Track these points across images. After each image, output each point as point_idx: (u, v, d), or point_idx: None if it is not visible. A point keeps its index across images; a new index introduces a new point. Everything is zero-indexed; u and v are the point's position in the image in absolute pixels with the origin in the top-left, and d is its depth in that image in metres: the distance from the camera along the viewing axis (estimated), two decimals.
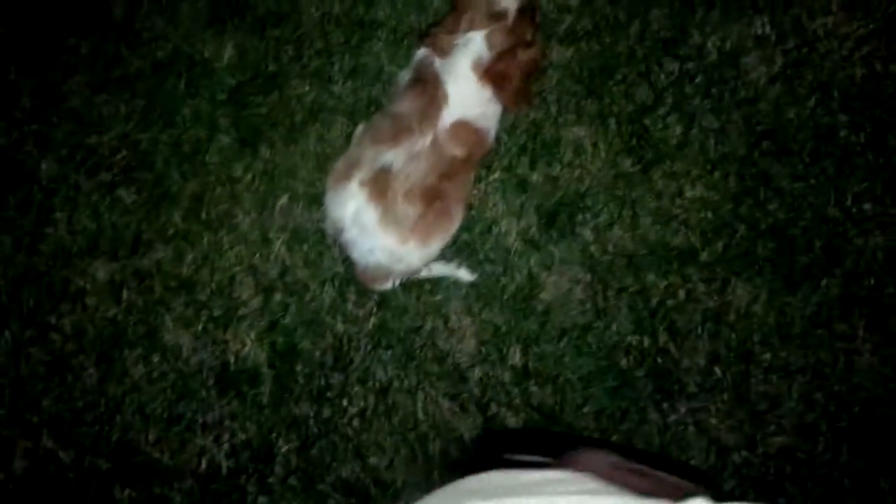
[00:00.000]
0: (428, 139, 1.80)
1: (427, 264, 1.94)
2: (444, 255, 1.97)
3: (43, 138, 2.06)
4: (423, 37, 1.96)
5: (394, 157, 1.79)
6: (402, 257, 1.85)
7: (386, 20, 2.14)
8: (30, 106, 2.09)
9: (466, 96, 1.84)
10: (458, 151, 1.83)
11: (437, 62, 1.86)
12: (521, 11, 1.87)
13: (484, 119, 1.88)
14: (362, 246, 1.84)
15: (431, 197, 1.83)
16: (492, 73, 1.83)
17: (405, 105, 1.87)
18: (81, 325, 1.98)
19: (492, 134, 1.93)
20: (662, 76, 2.09)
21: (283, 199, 2.03)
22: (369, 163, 1.81)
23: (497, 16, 1.85)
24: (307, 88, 2.10)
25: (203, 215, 2.03)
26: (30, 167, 2.04)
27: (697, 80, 2.08)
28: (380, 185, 1.79)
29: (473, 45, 1.83)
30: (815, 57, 2.08)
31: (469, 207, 2.01)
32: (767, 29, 2.10)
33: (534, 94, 2.01)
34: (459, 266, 1.99)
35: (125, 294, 1.99)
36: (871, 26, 2.09)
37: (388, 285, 1.95)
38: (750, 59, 2.09)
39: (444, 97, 1.82)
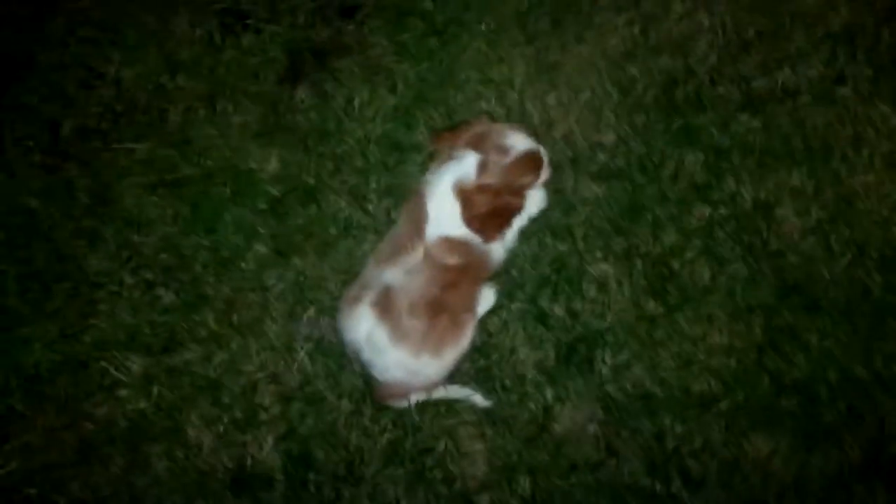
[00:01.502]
0: (420, 253, 1.85)
1: (444, 384, 1.98)
2: (461, 379, 2.01)
3: (94, 234, 2.19)
4: (434, 132, 1.98)
5: (393, 275, 1.85)
6: (418, 371, 1.90)
7: (423, 144, 2.20)
8: (85, 203, 2.22)
9: (444, 214, 1.85)
10: (451, 261, 1.86)
11: (428, 176, 1.89)
12: (527, 156, 1.87)
13: (472, 236, 1.86)
14: (379, 364, 1.91)
15: (436, 308, 1.86)
16: (464, 197, 1.83)
17: (401, 222, 1.94)
18: (113, 416, 2.08)
19: (493, 251, 1.92)
20: (693, 220, 2.08)
21: (311, 311, 2.10)
22: (375, 284, 1.87)
23: (500, 149, 1.85)
24: (343, 204, 2.17)
25: (234, 320, 2.11)
26: (78, 261, 2.17)
27: (728, 227, 2.06)
28: (386, 304, 1.85)
29: (463, 165, 1.84)
30: (853, 214, 2.04)
31: (488, 334, 2.04)
32: (805, 181, 2.08)
33: (502, 232, 1.93)
34: (475, 391, 2.02)
35: (156, 389, 2.08)
36: None
37: (405, 403, 1.99)
38: (784, 211, 2.07)
39: (426, 214, 1.85)
